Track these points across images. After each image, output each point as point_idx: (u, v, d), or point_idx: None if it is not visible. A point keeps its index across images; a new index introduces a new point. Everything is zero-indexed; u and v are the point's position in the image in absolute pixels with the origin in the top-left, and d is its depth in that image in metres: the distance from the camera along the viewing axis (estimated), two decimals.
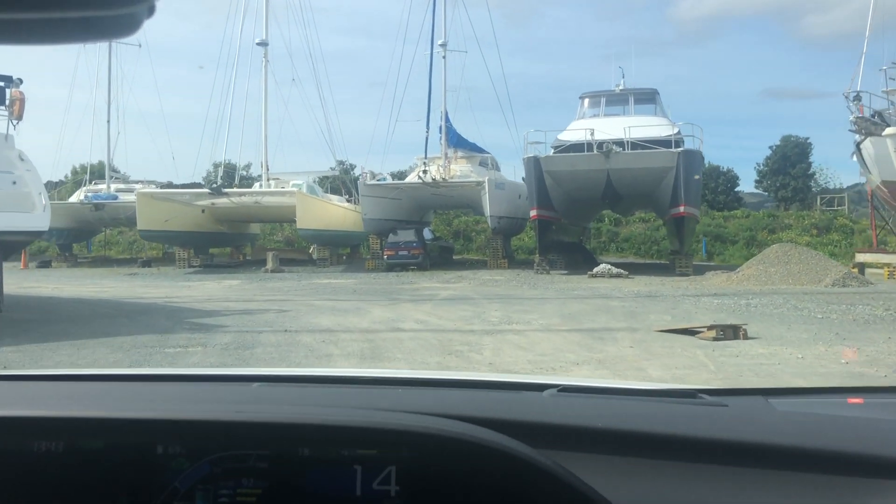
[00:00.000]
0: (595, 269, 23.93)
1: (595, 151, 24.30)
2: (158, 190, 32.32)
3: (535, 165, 24.85)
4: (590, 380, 2.11)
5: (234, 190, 32.11)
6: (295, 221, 30.63)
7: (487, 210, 28.95)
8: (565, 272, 27.19)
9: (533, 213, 25.66)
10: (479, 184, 29.63)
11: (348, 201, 37.24)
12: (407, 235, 30.22)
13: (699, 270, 26.15)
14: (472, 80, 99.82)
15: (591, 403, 1.43)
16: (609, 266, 24.13)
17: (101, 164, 51.12)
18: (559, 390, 1.49)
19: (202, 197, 31.54)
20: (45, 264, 34.76)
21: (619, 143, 24.52)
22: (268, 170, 35.31)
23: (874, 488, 1.11)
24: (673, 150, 24.25)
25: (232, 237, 39.02)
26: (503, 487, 1.05)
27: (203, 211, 34.27)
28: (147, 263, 34.98)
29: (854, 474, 1.13)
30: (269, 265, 30.34)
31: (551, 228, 26.94)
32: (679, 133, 26.24)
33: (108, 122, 37.86)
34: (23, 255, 34.17)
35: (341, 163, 48.24)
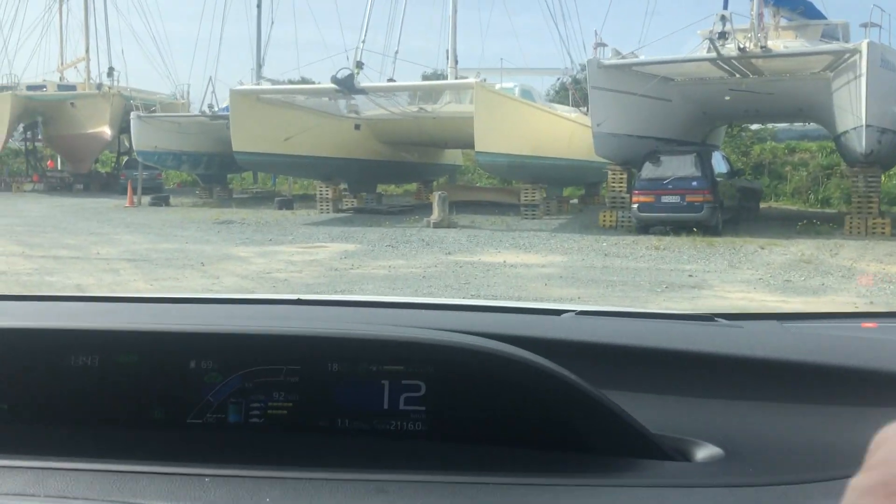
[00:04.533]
0: None
1: None
2: (266, 87, 21.00)
3: None
4: (607, 305, 2.13)
5: (378, 85, 19.53)
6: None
7: (863, 113, 13.63)
8: None
9: None
10: (842, 57, 14.34)
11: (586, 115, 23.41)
12: (679, 166, 15.91)
13: None
14: None
15: (609, 324, 1.48)
16: None
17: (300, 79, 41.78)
18: (577, 313, 1.52)
19: (326, 95, 19.49)
20: (160, 201, 25.24)
21: None
22: (456, 62, 22.37)
23: (888, 403, 1.09)
24: None
25: (415, 169, 26.94)
26: (527, 402, 1.05)
27: (358, 127, 22.43)
28: (287, 204, 24.05)
29: (869, 391, 1.13)
30: (435, 214, 17.77)
31: None
32: None
33: (259, 6, 26.99)
34: (128, 189, 24.98)
35: (585, 68, 34.15)
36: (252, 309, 1.64)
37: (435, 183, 29.43)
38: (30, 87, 32.94)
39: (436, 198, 17.87)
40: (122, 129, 30.20)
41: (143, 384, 1.10)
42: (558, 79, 30.19)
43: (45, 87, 33.48)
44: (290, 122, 19.49)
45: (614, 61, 16.15)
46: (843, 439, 1.03)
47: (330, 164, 21.48)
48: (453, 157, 30.14)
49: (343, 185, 23.12)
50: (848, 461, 0.92)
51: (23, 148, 36.88)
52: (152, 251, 12.57)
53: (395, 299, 1.80)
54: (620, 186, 17.65)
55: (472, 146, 26.39)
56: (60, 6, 38.99)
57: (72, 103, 31.30)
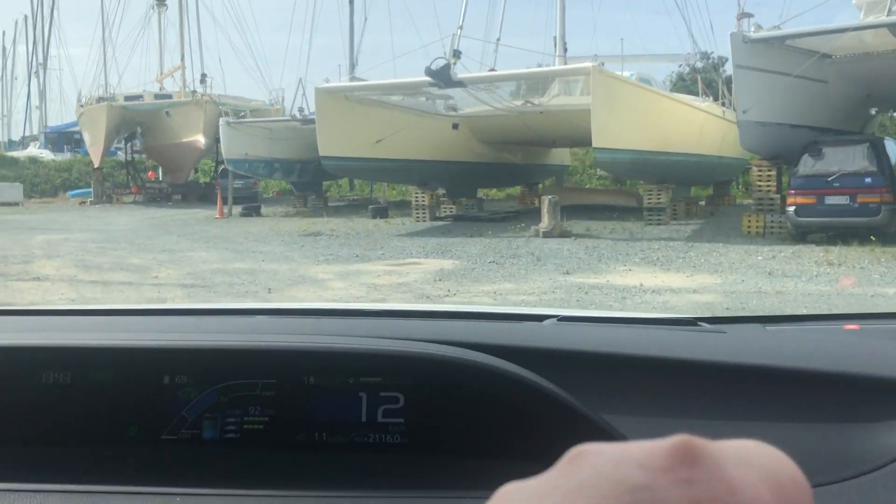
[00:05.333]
0: None
1: None
2: (353, 84, 19.08)
3: None
4: (589, 310, 1.82)
5: (478, 75, 17.21)
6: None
7: None
8: None
9: None
10: None
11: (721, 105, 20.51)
12: (848, 159, 12.98)
13: None
14: None
15: (591, 331, 1.45)
16: None
17: None
18: (559, 319, 1.49)
19: (419, 89, 17.41)
20: (251, 211, 23.92)
21: None
22: (565, 49, 19.95)
23: (868, 408, 1.10)
24: None
25: (519, 170, 24.64)
26: (506, 412, 1.04)
27: (456, 126, 20.37)
28: (381, 212, 22.23)
29: (850, 395, 1.13)
30: (544, 222, 15.44)
31: None
32: None
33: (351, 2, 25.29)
34: (218, 200, 23.78)
35: (707, 55, 31.07)
36: (226, 321, 1.55)
37: (541, 186, 27.12)
38: (128, 98, 32.64)
39: (545, 202, 15.54)
40: (217, 137, 29.38)
41: (117, 401, 1.08)
42: (679, 66, 27.22)
43: (142, 97, 33.12)
44: (381, 123, 17.61)
45: (764, 34, 13.32)
46: (824, 446, 1.03)
47: (426, 167, 19.48)
48: (560, 156, 27.67)
49: (440, 191, 21.14)
50: (830, 468, 0.97)
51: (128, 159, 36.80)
52: (219, 273, 10.83)
53: (372, 307, 1.75)
54: (769, 185, 14.77)
55: (582, 144, 23.83)
56: (160, 18, 39.01)
57: (167, 112, 30.66)
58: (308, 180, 27.46)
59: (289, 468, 1.01)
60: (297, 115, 23.40)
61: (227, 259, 12.60)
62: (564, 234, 15.12)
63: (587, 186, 29.19)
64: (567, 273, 10.15)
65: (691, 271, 10.31)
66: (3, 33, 77.19)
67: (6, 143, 62.36)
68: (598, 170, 30.70)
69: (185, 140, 30.31)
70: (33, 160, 41.17)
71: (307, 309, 1.75)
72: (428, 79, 15.55)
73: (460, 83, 16.01)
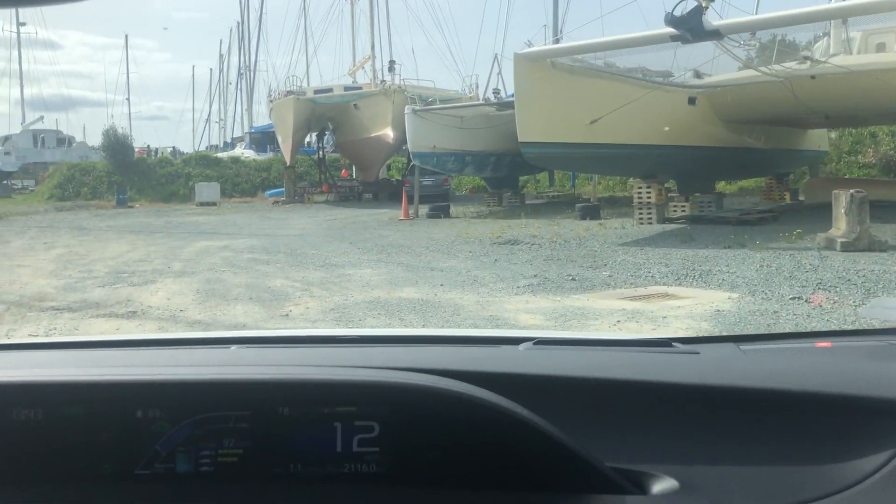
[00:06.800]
0: None
1: None
2: (562, 46, 14.92)
3: None
4: (565, 332, 1.82)
5: (745, 20, 12.41)
6: None
7: None
8: None
9: None
10: None
11: None
12: None
13: None
14: None
15: (566, 355, 1.43)
16: None
17: None
18: (535, 343, 1.49)
19: (657, 44, 13.04)
20: (439, 212, 20.75)
21: None
22: None
23: (840, 428, 1.09)
24: None
25: (764, 158, 19.55)
26: (482, 440, 1.04)
27: (692, 101, 15.90)
28: (592, 212, 18.13)
29: (821, 415, 1.12)
30: (841, 228, 10.72)
31: None
32: None
33: None
34: (403, 200, 20.86)
35: None
36: (198, 353, 1.53)
37: (791, 176, 21.78)
38: (317, 92, 30.89)
39: (842, 200, 10.76)
40: None
41: (90, 436, 1.07)
42: None
43: (332, 90, 31.24)
44: (597, 98, 13.62)
45: None
46: (798, 467, 1.03)
47: (654, 154, 15.26)
48: (818, 140, 22.07)
49: (668, 184, 16.78)
50: (802, 488, 0.96)
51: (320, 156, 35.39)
52: (375, 308, 7.45)
53: (345, 333, 1.70)
54: None
55: (872, 120, 18.44)
56: (353, 8, 37.40)
57: (355, 105, 28.41)
58: (504, 175, 24.00)
59: (264, 501, 1.00)
60: (492, 98, 19.89)
61: (396, 281, 9.27)
62: (874, 247, 10.35)
63: (846, 177, 23.34)
64: None
65: None
66: (220, 41, 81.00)
67: (222, 144, 64.77)
68: (865, 154, 24.61)
69: (374, 134, 27.99)
70: (235, 160, 41.11)
71: (281, 337, 1.71)
72: (669, 30, 11.30)
73: (716, 33, 11.56)
